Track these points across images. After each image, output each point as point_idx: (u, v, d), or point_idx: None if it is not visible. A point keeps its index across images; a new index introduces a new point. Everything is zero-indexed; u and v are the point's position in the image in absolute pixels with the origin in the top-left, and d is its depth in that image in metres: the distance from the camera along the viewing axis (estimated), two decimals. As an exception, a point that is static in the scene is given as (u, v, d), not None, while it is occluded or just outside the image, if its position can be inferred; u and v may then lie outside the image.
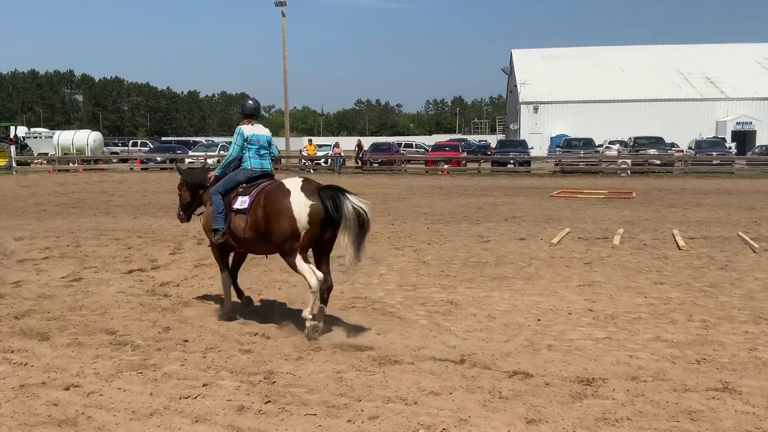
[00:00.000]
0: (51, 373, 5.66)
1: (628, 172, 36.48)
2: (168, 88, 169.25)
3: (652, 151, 40.31)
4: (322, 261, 6.71)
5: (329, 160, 41.09)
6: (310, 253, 6.75)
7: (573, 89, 58.93)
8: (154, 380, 5.51)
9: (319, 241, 6.61)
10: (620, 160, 38.43)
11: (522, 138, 50.70)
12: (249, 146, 7.24)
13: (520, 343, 6.45)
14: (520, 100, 59.27)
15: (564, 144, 44.38)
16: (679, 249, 11.75)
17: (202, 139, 65.91)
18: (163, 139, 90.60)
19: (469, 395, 5.17)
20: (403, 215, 17.14)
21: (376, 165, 40.74)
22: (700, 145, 41.90)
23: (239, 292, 7.68)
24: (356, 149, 41.05)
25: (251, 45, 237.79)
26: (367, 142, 53.58)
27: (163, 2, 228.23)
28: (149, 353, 6.18)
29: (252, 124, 7.35)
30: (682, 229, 14.10)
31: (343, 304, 7.97)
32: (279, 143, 54.68)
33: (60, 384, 5.41)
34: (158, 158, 43.50)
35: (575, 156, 40.11)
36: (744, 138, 52.74)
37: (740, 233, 13.37)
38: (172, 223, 15.35)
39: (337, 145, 41.93)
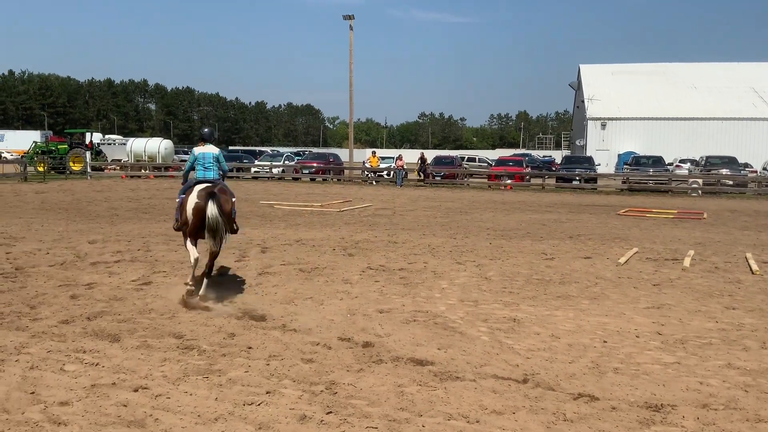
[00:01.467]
0: (121, 375, 5.82)
1: (699, 191, 35.47)
2: (237, 98, 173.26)
3: (724, 171, 39.07)
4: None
5: (392, 173, 41.23)
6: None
7: (642, 105, 57.72)
8: (219, 385, 5.60)
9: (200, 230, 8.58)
10: (691, 180, 37.37)
11: (588, 154, 49.92)
12: (197, 162, 9.24)
13: (585, 365, 6.32)
14: (587, 116, 58.37)
15: (632, 161, 43.40)
16: (753, 273, 11.32)
17: (268, 149, 67.13)
18: (230, 148, 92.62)
19: (533, 416, 5.09)
20: (465, 229, 17.04)
21: (438, 178, 40.67)
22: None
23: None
24: (419, 162, 41.06)
25: (318, 57, 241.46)
26: (430, 155, 53.58)
27: (234, 17, 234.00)
28: (215, 358, 6.30)
29: (203, 146, 9.34)
30: (755, 253, 13.59)
31: (404, 317, 7.96)
32: (343, 155, 55.05)
33: (129, 385, 5.57)
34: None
35: (644, 174, 39.17)
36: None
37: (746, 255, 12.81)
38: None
39: (400, 157, 42.05)
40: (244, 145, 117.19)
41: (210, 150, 9.30)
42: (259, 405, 5.20)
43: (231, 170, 43.21)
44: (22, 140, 69.00)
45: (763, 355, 6.73)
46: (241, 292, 9.12)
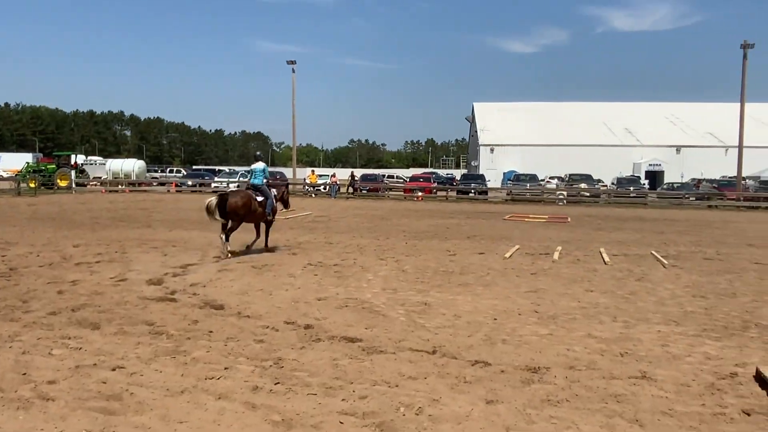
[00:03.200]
0: (101, 357, 5.53)
1: (564, 201, 36.73)
2: (199, 126, 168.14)
3: (583, 185, 40.68)
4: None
5: (327, 187, 41.03)
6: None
7: (521, 135, 59.50)
8: (185, 364, 5.40)
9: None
10: (558, 192, 38.71)
11: (481, 173, 51.00)
12: (252, 173, 12.79)
13: (480, 338, 6.42)
14: (479, 143, 59.71)
15: (514, 178, 44.69)
16: (605, 264, 11.79)
17: (226, 168, 65.49)
18: (194, 167, 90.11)
19: (440, 380, 5.12)
20: (386, 232, 17.09)
21: (365, 192, 40.69)
22: (620, 182, 42.35)
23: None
24: (349, 179, 40.97)
25: (268, 93, 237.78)
26: (358, 173, 53.60)
27: (195, 59, 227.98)
28: (181, 341, 6.07)
29: (256, 162, 12.82)
30: (607, 248, 14.16)
31: (338, 303, 7.89)
32: (288, 173, 54.26)
33: (108, 365, 5.29)
34: (190, 182, 43.36)
35: (523, 188, 40.38)
36: (654, 176, 53.37)
37: (653, 252, 13.46)
38: (201, 234, 15.19)
39: (333, 175, 41.94)
40: (205, 165, 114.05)
41: (258, 165, 12.76)
42: (218, 379, 5.04)
43: (195, 185, 42.12)
44: (16, 161, 64.99)
45: (615, 327, 6.99)
46: (203, 286, 8.84)
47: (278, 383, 4.96)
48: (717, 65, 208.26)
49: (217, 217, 11.74)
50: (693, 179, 47.40)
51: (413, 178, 45.65)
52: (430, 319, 7.16)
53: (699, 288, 9.43)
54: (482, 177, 44.47)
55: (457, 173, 74.64)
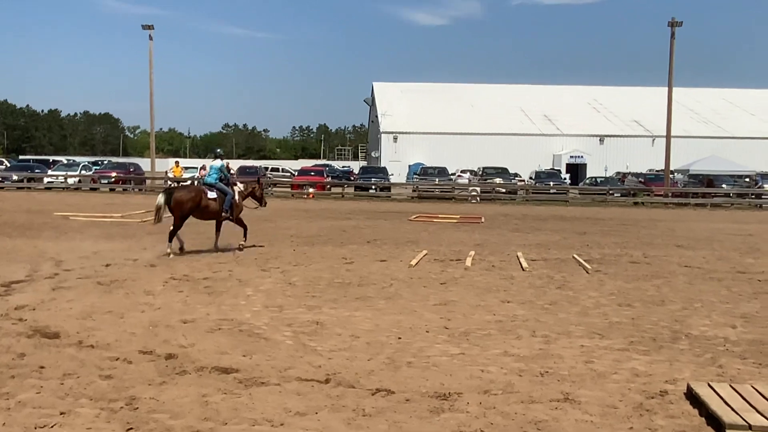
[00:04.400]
0: None
1: (478, 198, 38.02)
2: (28, 105, 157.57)
3: (498, 180, 42.35)
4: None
5: (196, 182, 39.81)
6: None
7: (429, 121, 60.96)
8: (8, 409, 5.01)
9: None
10: (471, 188, 40.02)
11: (383, 165, 51.67)
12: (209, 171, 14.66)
13: (382, 361, 6.47)
14: (381, 130, 60.55)
15: (421, 172, 45.66)
16: (523, 270, 12.31)
17: (63, 159, 61.83)
18: (21, 157, 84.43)
19: (334, 414, 5.10)
20: (269, 237, 16.86)
21: (243, 188, 39.87)
22: (539, 176, 44.54)
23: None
24: (223, 172, 40.03)
25: (117, 65, 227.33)
26: (235, 165, 52.53)
27: (24, 19, 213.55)
28: (2, 381, 5.62)
29: (213, 160, 14.79)
30: (525, 252, 14.80)
31: (208, 326, 7.66)
32: (145, 164, 52.25)
33: None
34: (15, 177, 40.40)
35: (431, 183, 41.35)
36: (576, 170, 56.67)
37: (575, 255, 14.24)
38: (29, 243, 14.23)
39: (203, 167, 40.70)
40: (36, 154, 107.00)
41: (216, 163, 14.64)
42: (51, 427, 4.72)
43: (22, 180, 39.52)
44: None
45: (534, 342, 7.31)
46: (33, 309, 8.26)
47: (131, 429, 4.72)
48: (645, 45, 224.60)
49: (167, 215, 13.80)
50: (618, 173, 50.78)
51: (303, 172, 45.47)
52: (322, 341, 7.13)
53: (625, 295, 10.09)
54: (384, 170, 45.10)
55: (355, 166, 75.23)
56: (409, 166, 54.52)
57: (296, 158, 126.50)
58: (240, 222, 14.75)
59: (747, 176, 42.73)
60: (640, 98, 66.25)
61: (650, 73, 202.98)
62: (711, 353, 7.00)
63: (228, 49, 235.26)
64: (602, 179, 45.02)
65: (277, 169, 57.12)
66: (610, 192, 39.61)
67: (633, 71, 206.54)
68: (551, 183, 42.20)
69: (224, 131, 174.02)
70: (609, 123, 62.98)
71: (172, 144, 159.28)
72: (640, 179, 44.45)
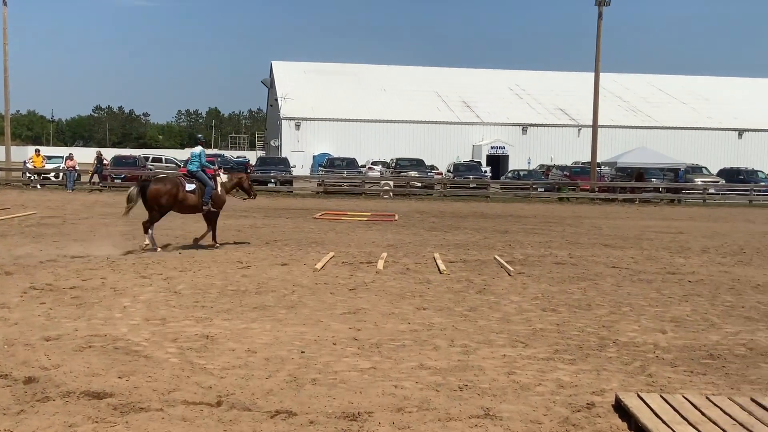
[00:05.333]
0: None
1: (391, 194, 38.39)
2: None
3: (413, 174, 42.88)
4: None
5: (61, 174, 38.32)
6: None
7: (336, 106, 60.98)
8: None
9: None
10: (383, 182, 40.36)
11: (284, 155, 51.27)
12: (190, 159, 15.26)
13: (283, 379, 6.43)
14: (281, 116, 60.06)
15: (327, 163, 45.63)
16: (441, 273, 12.52)
17: None
18: None
19: (227, 441, 5.02)
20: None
21: (118, 181, 38.75)
22: (458, 169, 45.41)
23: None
24: (95, 162, 38.66)
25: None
26: (109, 154, 50.81)
27: None
28: None
29: (195, 146, 15.31)
30: (442, 253, 15.06)
31: (77, 344, 7.38)
32: (-1, 153, 49.69)
33: None
34: None
35: (338, 176, 41.39)
36: (498, 162, 58.16)
37: (496, 256, 14.61)
38: None
39: (70, 157, 39.30)
40: None
41: (195, 149, 15.16)
42: None
43: None
44: None
45: (452, 353, 7.44)
46: None
47: (-20, 469, 4.49)
48: (571, 26, 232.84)
49: (130, 213, 14.74)
50: (541, 166, 52.49)
51: (190, 163, 44.40)
52: (213, 358, 7.01)
53: (549, 299, 10.43)
54: (285, 161, 44.79)
55: (252, 156, 74.34)
56: (314, 156, 54.41)
57: (182, 147, 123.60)
58: (211, 217, 15.29)
59: (677, 169, 45.08)
60: (565, 84, 68.74)
61: (577, 57, 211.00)
62: (640, 361, 7.34)
63: (101, 18, 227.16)
64: (525, 173, 46.43)
65: (159, 159, 55.57)
66: (534, 186, 40.90)
67: (558, 54, 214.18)
68: (471, 177, 43.17)
69: (95, 114, 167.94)
70: (532, 111, 64.95)
71: (32, 129, 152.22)
72: (565, 173, 46.10)
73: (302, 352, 7.34)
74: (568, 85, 67.83)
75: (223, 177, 15.71)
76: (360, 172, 44.10)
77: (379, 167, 47.06)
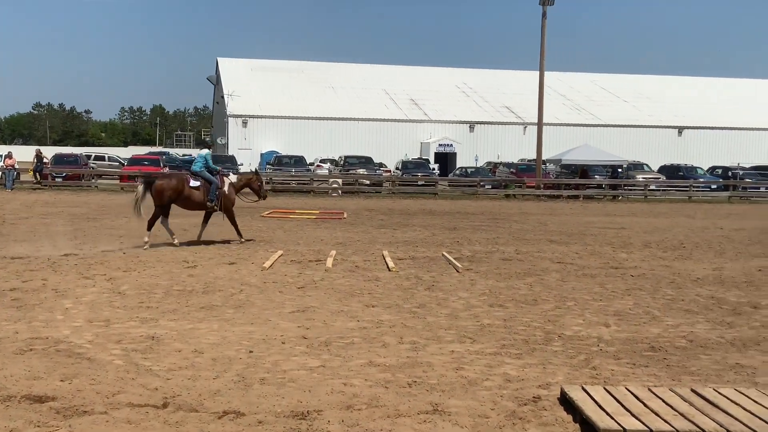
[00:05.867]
0: None
1: (340, 191, 38.34)
2: None
3: (361, 171, 42.90)
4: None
5: (2, 173, 37.27)
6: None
7: (283, 104, 60.61)
8: None
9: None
10: (331, 180, 40.28)
11: (230, 153, 50.75)
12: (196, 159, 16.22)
13: (231, 379, 6.37)
14: (227, 113, 59.40)
15: (275, 161, 45.37)
16: (389, 270, 12.57)
17: None
18: None
19: (174, 443, 4.95)
20: (94, 238, 16.11)
21: (59, 180, 37.88)
22: (406, 166, 45.61)
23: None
24: (35, 161, 37.73)
25: None
26: (49, 152, 49.59)
27: None
28: None
29: (202, 149, 16.25)
30: (391, 250, 15.11)
31: (17, 347, 7.20)
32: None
33: None
34: None
35: (286, 174, 41.19)
36: (446, 159, 58.53)
37: (445, 253, 14.72)
38: None
39: (9, 155, 38.29)
40: None
41: (202, 152, 16.22)
42: None
43: None
44: None
45: (401, 350, 7.48)
46: None
47: None
48: (516, 25, 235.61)
49: (141, 210, 15.15)
50: (489, 163, 53.04)
51: (134, 161, 43.69)
52: (159, 360, 6.91)
53: (497, 295, 10.57)
54: (232, 159, 44.34)
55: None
56: (262, 154, 53.98)
57: (126, 145, 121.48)
58: (230, 216, 16.16)
59: (619, 166, 45.99)
60: (512, 83, 69.53)
61: (523, 56, 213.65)
62: (585, 354, 7.49)
63: (41, 13, 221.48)
64: (473, 170, 46.85)
65: (102, 158, 54.55)
66: (481, 184, 41.33)
67: (504, 53, 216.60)
68: (419, 174, 43.35)
69: (35, 112, 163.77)
70: (479, 109, 65.57)
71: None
72: (511, 170, 46.67)
73: (250, 351, 7.29)
74: (514, 84, 68.64)
75: (232, 177, 16.57)
76: (308, 170, 43.94)
77: (327, 165, 46.94)
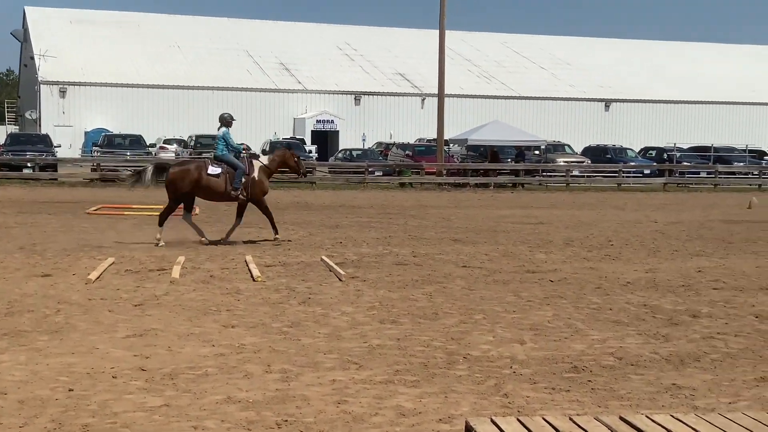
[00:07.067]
0: None
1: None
2: None
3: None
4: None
5: None
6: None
7: (114, 68, 59.13)
8: None
9: None
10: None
11: (44, 132, 49.14)
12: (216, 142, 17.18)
13: (44, 427, 6.16)
14: (39, 79, 57.45)
15: (104, 142, 44.27)
16: (254, 280, 12.47)
17: None
18: None
19: None
20: None
21: None
22: (274, 148, 45.37)
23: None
24: None
25: None
26: None
27: None
28: None
29: (218, 129, 17.06)
30: (256, 255, 14.99)
31: None
32: None
33: None
34: None
35: (120, 159, 40.24)
36: (326, 139, 58.67)
37: (324, 257, 14.72)
38: None
39: None
40: None
41: (220, 131, 16.87)
42: None
43: None
44: None
45: (268, 381, 7.42)
46: None
47: None
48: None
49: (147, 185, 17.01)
50: (379, 144, 53.55)
51: None
52: (-54, 404, 6.59)
53: (389, 309, 10.65)
54: (46, 139, 43.02)
55: (0, 132, 70.57)
56: (86, 133, 52.67)
57: None
58: (261, 206, 16.93)
59: (537, 148, 47.41)
60: (406, 44, 70.48)
61: (419, 11, 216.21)
62: (495, 378, 7.65)
63: None
64: (359, 153, 47.24)
65: None
66: (370, 170, 41.60)
67: (397, 7, 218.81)
68: (292, 158, 43.23)
69: None
70: (367, 76, 66.11)
71: None
72: (407, 152, 47.22)
73: (70, 389, 7.06)
74: (409, 45, 69.59)
75: (263, 159, 17.55)
76: (149, 153, 43.09)
77: (173, 147, 46.19)
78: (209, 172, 16.21)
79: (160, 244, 15.86)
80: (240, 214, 16.98)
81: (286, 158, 17.58)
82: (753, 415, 5.90)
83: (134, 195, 30.30)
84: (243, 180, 16.45)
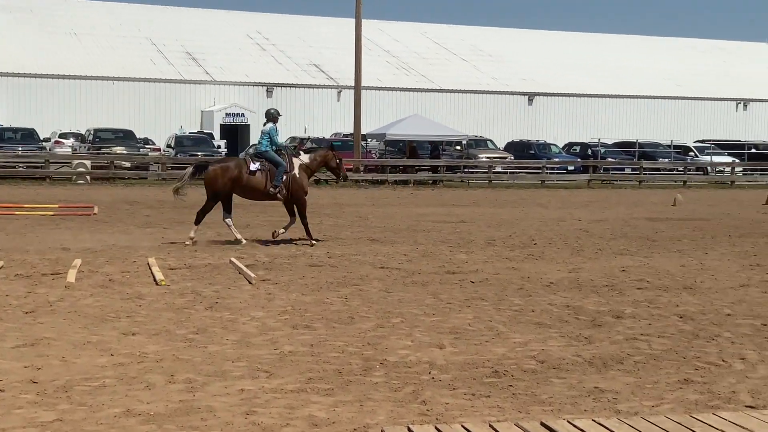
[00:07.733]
0: None
1: (88, 178, 37.10)
2: None
3: (119, 150, 41.75)
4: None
5: None
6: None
7: (4, 56, 57.56)
8: None
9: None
10: (76, 162, 38.89)
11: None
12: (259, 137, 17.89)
13: (-77, 447, 5.97)
14: None
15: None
16: (157, 284, 12.33)
17: None
18: None
19: None
20: None
21: None
22: (181, 143, 45.03)
23: None
24: None
25: None
26: None
27: None
28: None
29: (264, 125, 17.58)
30: (160, 257, 14.82)
31: None
32: None
33: None
34: None
35: (10, 154, 39.39)
36: (237, 133, 58.21)
37: (233, 259, 14.62)
38: None
39: None
40: None
41: (266, 126, 17.34)
42: None
43: None
44: None
45: (171, 392, 7.31)
46: None
47: None
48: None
49: (183, 194, 17.60)
50: (293, 138, 53.29)
51: None
52: None
53: (302, 313, 10.63)
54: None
55: None
56: (-27, 126, 51.15)
57: None
58: (300, 208, 17.31)
59: (458, 143, 47.81)
60: (321, 33, 70.36)
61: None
62: (413, 385, 7.68)
63: None
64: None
65: None
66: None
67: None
68: (198, 153, 42.81)
69: None
70: (280, 67, 65.78)
71: None
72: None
73: (-47, 405, 6.87)
74: (324, 35, 69.46)
75: (304, 157, 17.63)
76: (42, 148, 42.20)
77: (70, 141, 45.32)
78: (250, 169, 16.76)
79: (187, 243, 16.49)
80: (291, 212, 17.52)
81: (328, 159, 17.93)
82: (676, 418, 6.06)
83: (27, 193, 29.66)
84: (284, 178, 16.83)
